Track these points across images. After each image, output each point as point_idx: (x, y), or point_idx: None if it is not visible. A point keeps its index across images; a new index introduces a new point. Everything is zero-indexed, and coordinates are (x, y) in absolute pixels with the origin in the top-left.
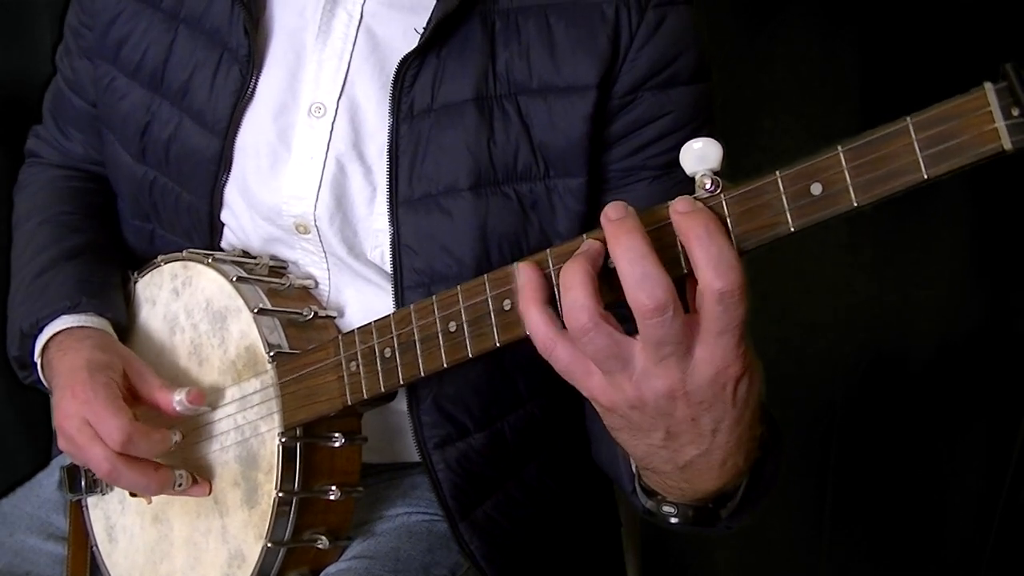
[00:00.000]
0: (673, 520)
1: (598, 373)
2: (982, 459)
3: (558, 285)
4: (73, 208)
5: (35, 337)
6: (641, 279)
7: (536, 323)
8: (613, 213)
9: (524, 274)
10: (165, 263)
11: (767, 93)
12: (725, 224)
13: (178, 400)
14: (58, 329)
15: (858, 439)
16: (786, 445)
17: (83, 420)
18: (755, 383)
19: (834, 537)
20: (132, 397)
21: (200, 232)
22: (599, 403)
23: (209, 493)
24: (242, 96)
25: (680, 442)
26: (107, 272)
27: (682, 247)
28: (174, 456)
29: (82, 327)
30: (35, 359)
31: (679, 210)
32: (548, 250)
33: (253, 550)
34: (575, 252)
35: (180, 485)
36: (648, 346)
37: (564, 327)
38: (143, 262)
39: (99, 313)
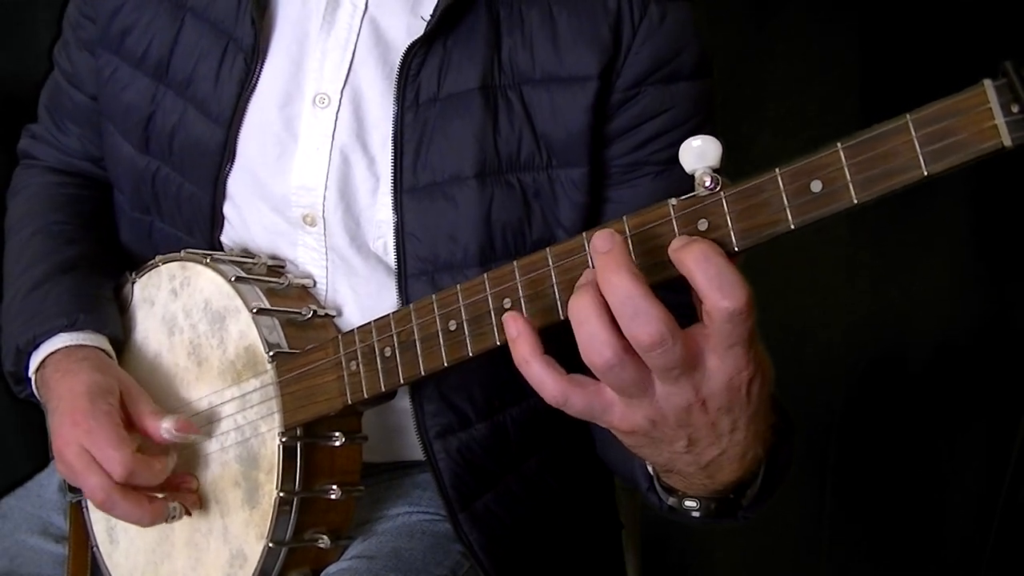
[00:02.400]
0: (695, 514)
1: (617, 405)
2: (982, 459)
3: (559, 288)
4: (66, 217)
5: (31, 353)
6: (633, 316)
7: (541, 378)
8: (600, 245)
9: (512, 327)
10: (163, 263)
11: (768, 91)
12: (728, 229)
13: (165, 428)
14: (55, 348)
15: (858, 439)
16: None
17: (82, 448)
18: (767, 378)
19: (834, 537)
20: (129, 422)
21: (201, 224)
22: (620, 431)
23: (200, 508)
24: (246, 86)
25: (701, 446)
26: (102, 285)
27: None
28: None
29: (80, 345)
30: (30, 375)
31: (674, 248)
32: (548, 249)
33: (254, 550)
34: (579, 284)
35: (173, 517)
36: (657, 373)
37: (566, 371)
38: (140, 257)
39: (96, 330)
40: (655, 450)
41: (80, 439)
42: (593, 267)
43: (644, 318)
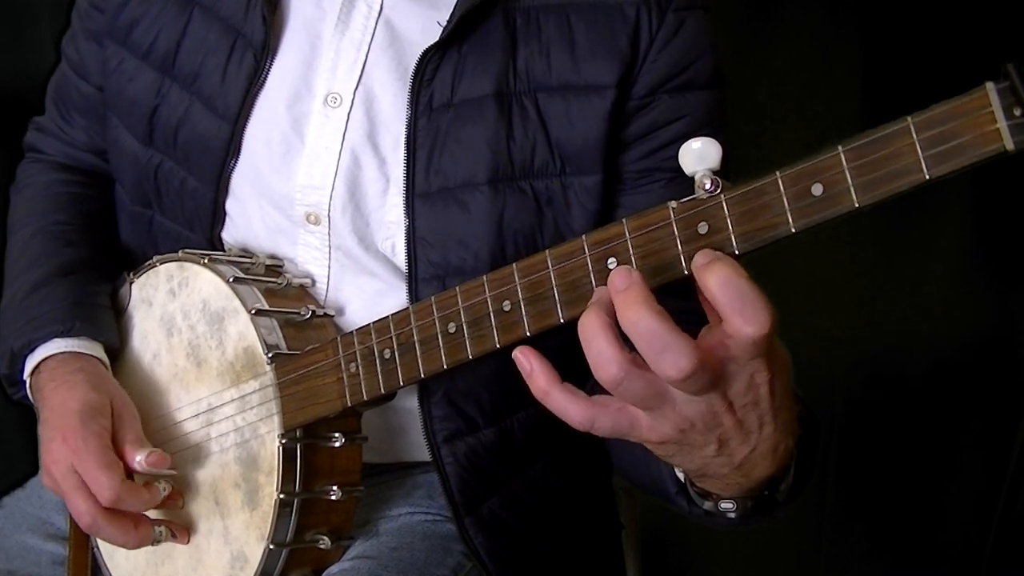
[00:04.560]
0: (732, 515)
1: (643, 418)
2: (982, 460)
3: (559, 290)
4: (68, 218)
5: (26, 357)
6: (661, 353)
7: (563, 407)
8: (619, 282)
9: (525, 363)
10: (161, 264)
11: (769, 92)
12: (728, 232)
13: (138, 461)
14: (50, 353)
15: (859, 440)
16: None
17: (70, 468)
18: (786, 369)
19: (834, 537)
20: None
21: (202, 220)
22: (650, 443)
23: (187, 542)
24: (255, 82)
25: (732, 446)
26: (99, 292)
27: (681, 246)
28: (175, 459)
29: (75, 353)
30: (24, 378)
31: (698, 264)
32: (547, 251)
33: (255, 551)
34: (591, 302)
35: (158, 540)
36: (686, 392)
37: (587, 395)
38: (139, 251)
39: (92, 337)
40: (688, 456)
41: (69, 458)
42: (593, 275)
43: (672, 353)
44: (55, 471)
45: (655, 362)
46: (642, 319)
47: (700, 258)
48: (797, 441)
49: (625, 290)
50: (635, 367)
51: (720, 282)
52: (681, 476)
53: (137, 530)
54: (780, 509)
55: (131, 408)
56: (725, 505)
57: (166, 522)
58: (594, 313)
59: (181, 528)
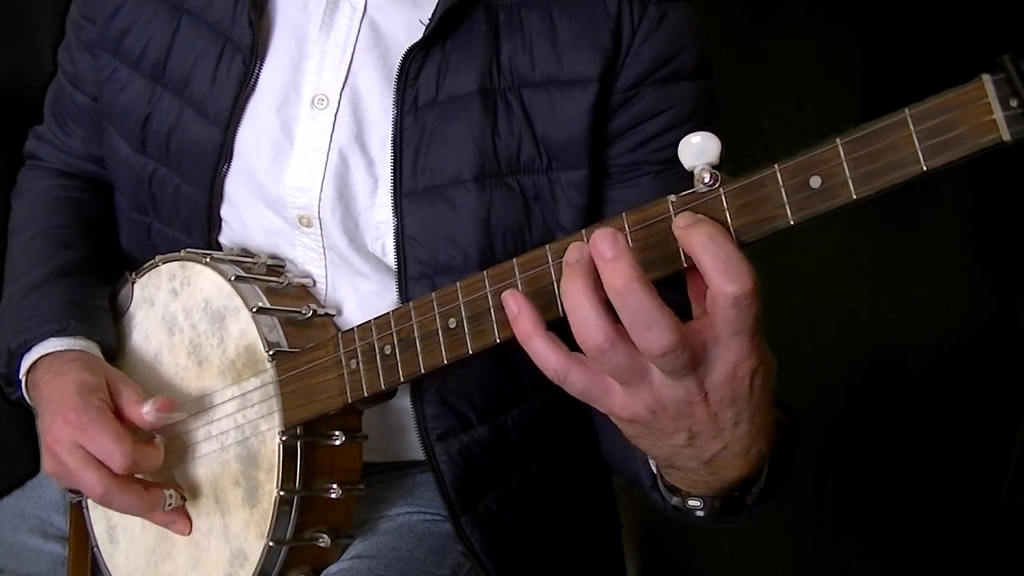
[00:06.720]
0: (699, 514)
1: (617, 389)
2: (982, 459)
3: (559, 285)
4: (67, 221)
5: (22, 356)
6: (647, 328)
7: (543, 353)
8: (605, 249)
9: (512, 304)
10: (163, 263)
11: (767, 88)
12: (727, 224)
13: (147, 411)
14: (46, 351)
15: (858, 439)
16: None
17: (75, 444)
18: (770, 370)
19: (834, 537)
20: (119, 415)
21: (198, 225)
22: (619, 417)
23: (189, 533)
24: (244, 87)
25: (703, 440)
26: (97, 294)
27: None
28: (176, 457)
29: (70, 350)
30: (20, 377)
31: (680, 225)
32: (547, 246)
33: (255, 549)
34: (569, 263)
35: (170, 505)
36: (663, 371)
37: (570, 349)
38: (140, 257)
39: (87, 336)
40: (655, 442)
41: (73, 436)
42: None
43: (657, 329)
44: (60, 450)
45: (639, 336)
46: (632, 293)
47: (682, 220)
48: (773, 445)
49: (613, 259)
50: (620, 338)
51: (703, 240)
52: (654, 468)
53: (149, 493)
54: (750, 510)
55: (124, 377)
56: (693, 503)
57: (174, 486)
58: (579, 278)
59: (182, 518)
